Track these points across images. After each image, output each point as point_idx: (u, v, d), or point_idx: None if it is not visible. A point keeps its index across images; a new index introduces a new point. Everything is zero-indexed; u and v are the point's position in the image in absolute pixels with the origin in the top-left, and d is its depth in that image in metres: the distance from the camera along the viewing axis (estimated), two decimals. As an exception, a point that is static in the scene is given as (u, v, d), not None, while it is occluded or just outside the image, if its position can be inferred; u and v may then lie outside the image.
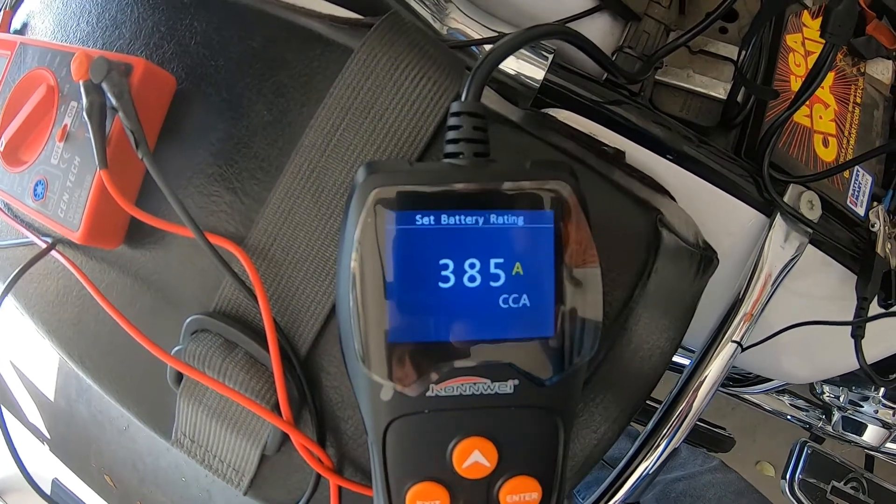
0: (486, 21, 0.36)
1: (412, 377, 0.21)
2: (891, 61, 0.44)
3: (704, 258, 0.29)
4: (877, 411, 0.62)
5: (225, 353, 0.27)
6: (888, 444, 0.63)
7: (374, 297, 0.20)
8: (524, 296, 0.21)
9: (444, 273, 0.20)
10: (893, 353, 0.43)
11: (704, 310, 0.31)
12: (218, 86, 0.29)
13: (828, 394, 0.66)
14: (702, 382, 0.35)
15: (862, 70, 0.43)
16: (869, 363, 0.39)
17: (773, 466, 1.26)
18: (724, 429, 0.66)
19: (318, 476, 0.29)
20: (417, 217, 0.20)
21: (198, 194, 0.29)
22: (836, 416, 0.65)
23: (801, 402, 0.70)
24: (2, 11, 0.39)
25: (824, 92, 0.41)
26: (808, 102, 0.35)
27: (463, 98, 0.22)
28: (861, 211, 0.39)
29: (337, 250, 0.22)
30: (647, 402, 0.30)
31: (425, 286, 0.20)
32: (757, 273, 0.35)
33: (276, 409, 0.27)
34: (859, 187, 0.39)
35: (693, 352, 0.37)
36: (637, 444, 0.35)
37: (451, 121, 0.22)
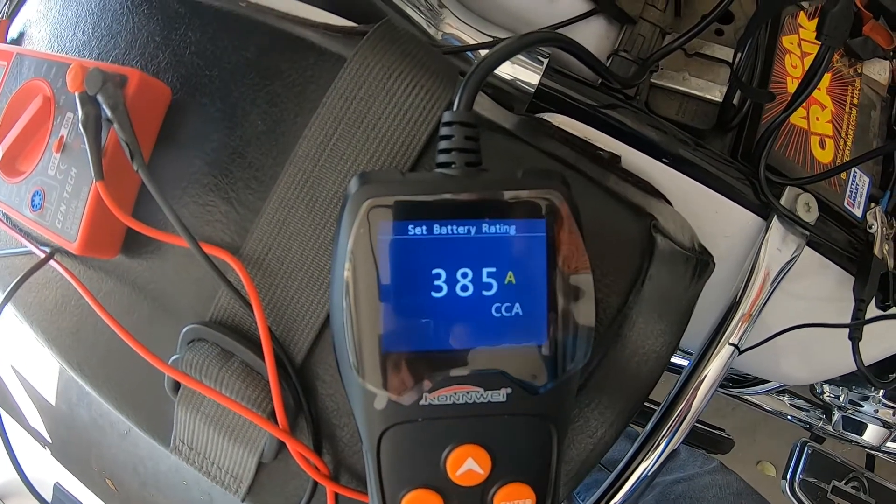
0: (481, 26, 0.36)
1: (406, 386, 0.21)
2: (888, 62, 0.44)
3: (700, 262, 0.29)
4: (877, 411, 0.62)
5: (221, 363, 0.28)
6: (889, 444, 0.62)
7: (367, 306, 0.20)
8: (517, 304, 0.21)
9: (436, 282, 0.21)
10: (891, 353, 0.43)
11: (702, 312, 0.31)
12: (212, 96, 0.29)
13: (828, 393, 0.66)
14: (700, 384, 0.35)
15: (859, 71, 0.43)
16: (867, 364, 0.39)
17: (773, 466, 1.26)
18: (723, 430, 0.66)
19: (315, 483, 0.29)
20: (410, 227, 0.20)
21: (193, 204, 0.29)
22: (837, 415, 0.65)
23: (801, 402, 0.69)
24: (-1, 21, 0.39)
25: (821, 93, 0.41)
26: (804, 104, 0.35)
27: (455, 107, 0.22)
28: (858, 212, 0.39)
29: (331, 260, 0.22)
30: (646, 403, 0.30)
31: (418, 295, 0.21)
32: (754, 275, 0.35)
33: (272, 417, 0.28)
34: (856, 189, 0.39)
35: (691, 354, 0.37)
36: (636, 445, 0.35)
37: (443, 130, 0.22)
